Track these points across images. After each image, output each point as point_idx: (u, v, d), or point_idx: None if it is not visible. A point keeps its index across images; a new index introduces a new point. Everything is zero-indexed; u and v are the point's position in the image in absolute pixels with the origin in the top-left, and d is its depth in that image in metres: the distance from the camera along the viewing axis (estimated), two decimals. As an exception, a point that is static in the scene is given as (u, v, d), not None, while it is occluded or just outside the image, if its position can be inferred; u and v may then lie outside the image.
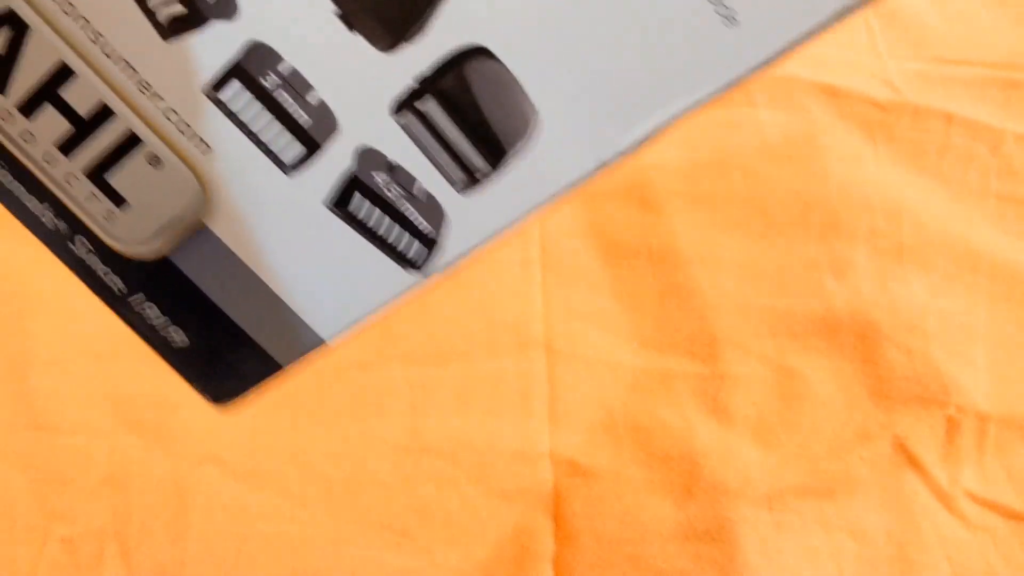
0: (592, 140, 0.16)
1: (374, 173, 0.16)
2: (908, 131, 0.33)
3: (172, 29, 0.16)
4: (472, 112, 0.16)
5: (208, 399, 0.18)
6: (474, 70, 0.16)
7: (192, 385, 0.18)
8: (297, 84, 0.16)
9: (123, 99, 0.16)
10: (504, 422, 0.33)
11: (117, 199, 0.17)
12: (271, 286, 0.17)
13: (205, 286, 0.17)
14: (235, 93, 0.16)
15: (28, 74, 0.16)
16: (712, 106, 0.16)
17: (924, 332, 0.32)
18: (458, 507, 0.33)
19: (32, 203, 0.17)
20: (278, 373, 0.18)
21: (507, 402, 0.33)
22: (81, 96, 0.16)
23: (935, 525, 0.32)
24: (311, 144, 0.16)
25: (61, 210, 0.17)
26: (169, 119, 0.16)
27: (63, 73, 0.16)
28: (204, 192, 0.16)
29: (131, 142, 0.16)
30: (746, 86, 0.16)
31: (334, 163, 0.16)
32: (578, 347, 0.33)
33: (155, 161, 0.16)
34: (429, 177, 0.16)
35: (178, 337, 0.18)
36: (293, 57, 0.16)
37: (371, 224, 0.17)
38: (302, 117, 0.16)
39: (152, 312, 0.18)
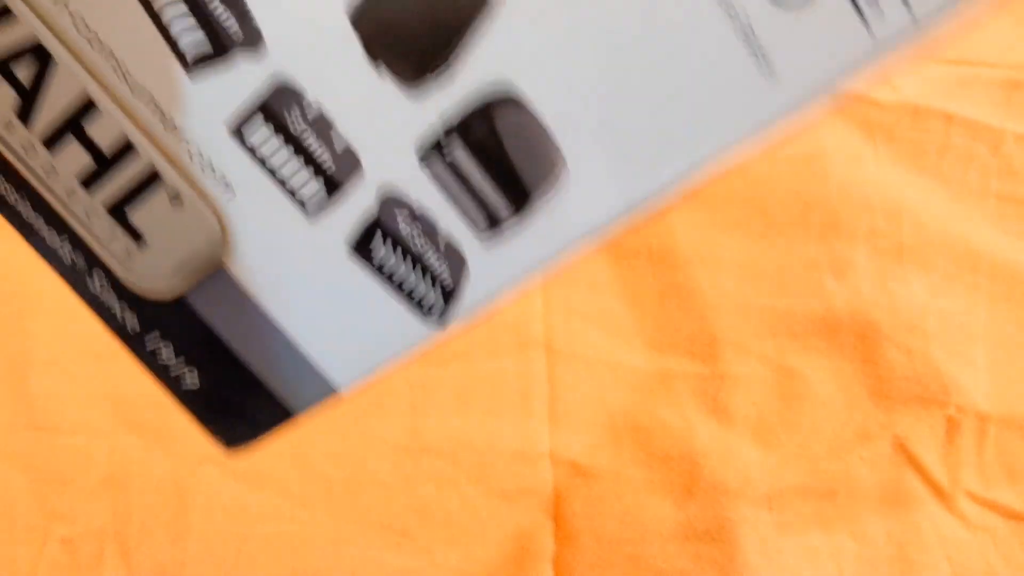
0: (618, 187, 0.16)
1: (396, 219, 0.16)
2: (908, 131, 0.33)
3: (196, 64, 0.15)
4: (497, 156, 0.16)
5: (220, 444, 0.18)
6: (501, 115, 0.15)
7: (204, 428, 0.18)
8: (320, 121, 0.16)
9: (146, 135, 0.16)
10: (504, 422, 0.33)
11: (136, 236, 0.16)
12: (287, 331, 0.17)
13: (220, 328, 0.17)
14: (258, 132, 0.16)
15: (52, 107, 0.16)
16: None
17: (924, 332, 0.32)
18: (458, 507, 0.33)
19: (51, 236, 0.17)
20: (290, 421, 0.18)
21: (507, 402, 0.33)
22: (104, 131, 0.16)
23: (935, 525, 0.32)
24: (333, 184, 0.16)
25: (79, 245, 0.17)
26: (191, 157, 0.16)
27: (87, 107, 0.16)
28: (224, 233, 0.16)
29: (152, 179, 0.16)
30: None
31: (355, 207, 0.16)
32: (578, 347, 0.33)
33: (176, 199, 0.16)
34: (451, 223, 0.16)
35: (191, 379, 0.17)
36: (316, 94, 0.15)
37: (390, 271, 0.16)
38: (325, 157, 0.16)
39: (166, 352, 0.17)
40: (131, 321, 0.17)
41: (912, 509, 0.32)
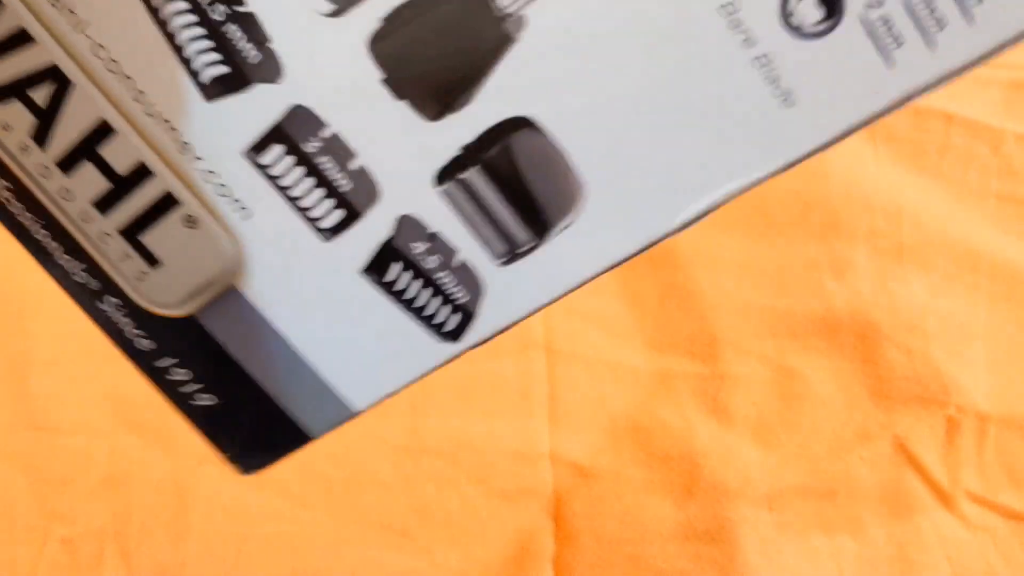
0: (639, 219, 0.15)
1: (413, 242, 0.16)
2: (908, 131, 0.33)
3: (215, 90, 0.15)
4: (517, 184, 0.16)
5: (236, 468, 0.18)
6: (521, 142, 0.15)
7: (219, 452, 0.18)
8: (339, 150, 0.16)
9: (162, 159, 0.16)
10: (504, 422, 0.33)
11: (150, 258, 0.16)
12: (302, 354, 0.17)
13: (235, 350, 0.17)
14: (276, 157, 0.16)
15: (68, 130, 0.16)
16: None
17: (924, 332, 0.32)
18: (458, 507, 0.33)
19: (63, 257, 0.17)
20: (306, 443, 0.18)
21: (507, 402, 0.33)
22: (120, 154, 0.16)
23: (935, 525, 0.32)
24: (351, 211, 0.16)
25: (92, 266, 0.16)
26: (208, 180, 0.16)
27: (103, 130, 0.16)
28: (239, 254, 0.16)
29: (168, 202, 0.16)
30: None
31: (373, 230, 0.16)
32: (578, 347, 0.33)
33: (191, 222, 0.16)
34: (469, 248, 0.16)
35: (206, 402, 0.17)
36: (336, 123, 0.15)
37: (407, 293, 0.16)
38: (343, 183, 0.16)
39: (180, 374, 0.17)
40: (144, 343, 0.17)
41: (912, 509, 0.32)
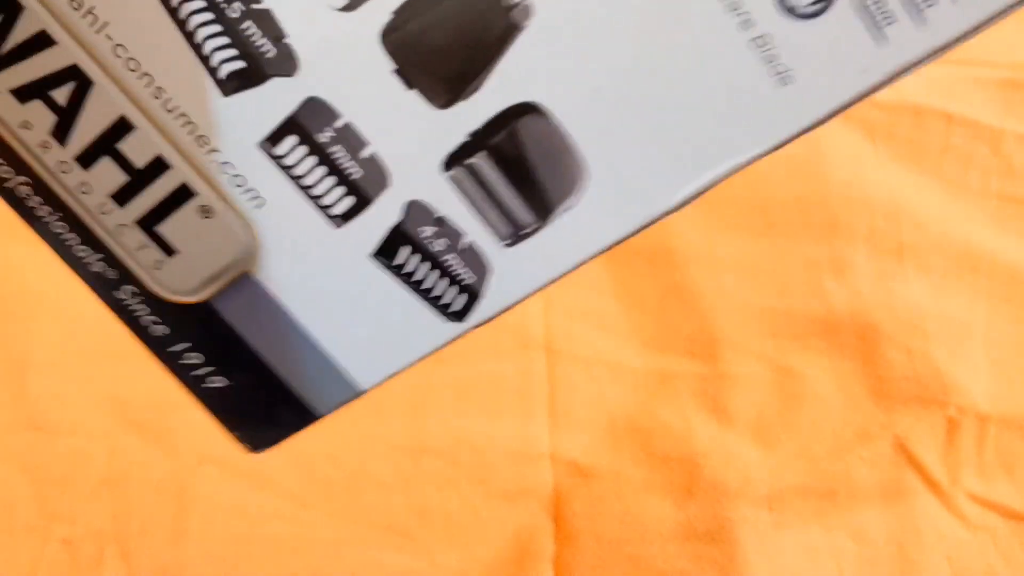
0: (640, 197, 0.16)
1: (421, 226, 0.17)
2: (908, 131, 0.33)
3: (232, 85, 0.16)
4: (522, 168, 0.16)
5: (246, 447, 0.18)
6: (525, 127, 0.16)
7: (230, 432, 0.18)
8: (351, 139, 0.16)
9: (179, 152, 0.16)
10: (504, 422, 0.33)
11: (166, 247, 0.17)
12: (312, 335, 0.17)
13: (245, 333, 0.17)
14: (290, 147, 0.16)
15: (88, 127, 0.16)
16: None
17: (924, 332, 0.32)
18: (458, 508, 0.33)
19: (82, 250, 0.17)
20: (314, 422, 0.18)
21: (507, 402, 0.33)
22: (138, 149, 0.16)
23: (935, 525, 0.32)
24: (362, 197, 0.16)
25: (109, 258, 0.17)
26: (223, 172, 0.16)
27: (122, 127, 0.16)
28: (253, 242, 0.17)
29: (184, 193, 0.16)
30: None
31: (382, 215, 0.17)
32: (578, 347, 0.33)
33: (207, 212, 0.17)
34: (475, 231, 0.17)
35: (218, 384, 0.18)
36: (349, 113, 0.16)
37: (416, 276, 0.17)
38: (355, 172, 0.16)
39: (194, 358, 0.18)
40: (157, 327, 0.17)
41: (912, 509, 0.32)
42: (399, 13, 0.15)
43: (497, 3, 0.15)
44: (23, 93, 0.16)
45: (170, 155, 0.16)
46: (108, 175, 0.16)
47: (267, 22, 0.15)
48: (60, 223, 0.17)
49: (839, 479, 0.33)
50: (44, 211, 0.17)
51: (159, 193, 0.16)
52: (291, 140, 0.16)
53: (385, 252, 0.17)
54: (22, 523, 0.33)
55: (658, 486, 0.33)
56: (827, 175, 0.32)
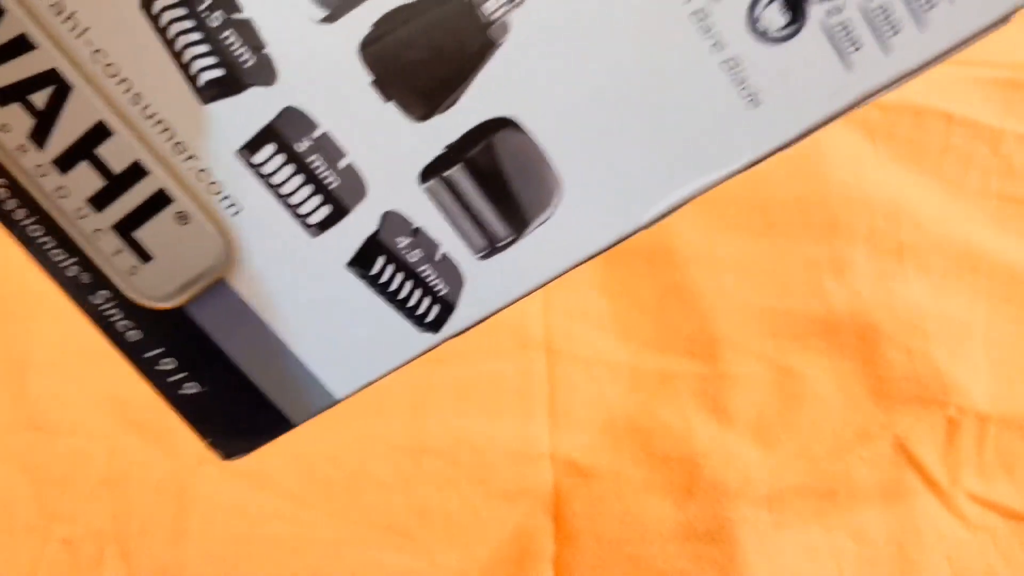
0: (613, 213, 0.16)
1: (397, 236, 0.17)
2: (908, 131, 0.33)
3: (211, 93, 0.16)
4: (498, 182, 0.16)
5: (219, 454, 0.19)
6: (501, 141, 0.16)
7: (203, 439, 0.18)
8: (329, 149, 0.16)
9: (157, 158, 0.16)
10: (504, 422, 0.33)
11: (142, 254, 0.17)
12: (287, 344, 0.17)
13: (221, 341, 0.17)
14: (268, 156, 0.16)
15: (66, 131, 0.16)
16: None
17: (924, 332, 0.32)
18: (458, 508, 0.33)
19: (57, 253, 0.17)
20: (288, 429, 0.18)
21: (507, 402, 0.33)
22: (116, 154, 0.16)
23: (935, 525, 0.32)
24: (339, 207, 0.17)
25: (85, 262, 0.17)
26: (200, 179, 0.16)
27: (100, 132, 0.16)
28: (229, 249, 0.17)
29: (161, 200, 0.17)
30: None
31: (359, 225, 0.17)
32: (578, 347, 0.33)
33: (183, 219, 0.17)
34: (451, 243, 0.17)
35: (192, 391, 0.18)
36: (327, 123, 0.16)
37: (391, 285, 0.17)
38: (332, 181, 0.16)
39: (167, 364, 0.18)
40: (132, 332, 0.17)
41: (912, 509, 0.32)
42: (378, 26, 0.15)
43: (475, 19, 0.15)
44: (1, 96, 0.16)
45: (148, 161, 0.16)
46: (85, 180, 0.16)
47: (247, 31, 0.16)
48: (36, 226, 0.17)
49: (839, 479, 0.33)
50: (21, 214, 0.17)
51: (136, 199, 0.17)
52: (269, 148, 0.16)
53: (361, 261, 0.17)
54: (22, 523, 0.33)
55: (658, 486, 0.33)
56: (827, 175, 0.32)
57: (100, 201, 0.16)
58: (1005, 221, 0.32)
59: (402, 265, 0.17)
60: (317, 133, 0.16)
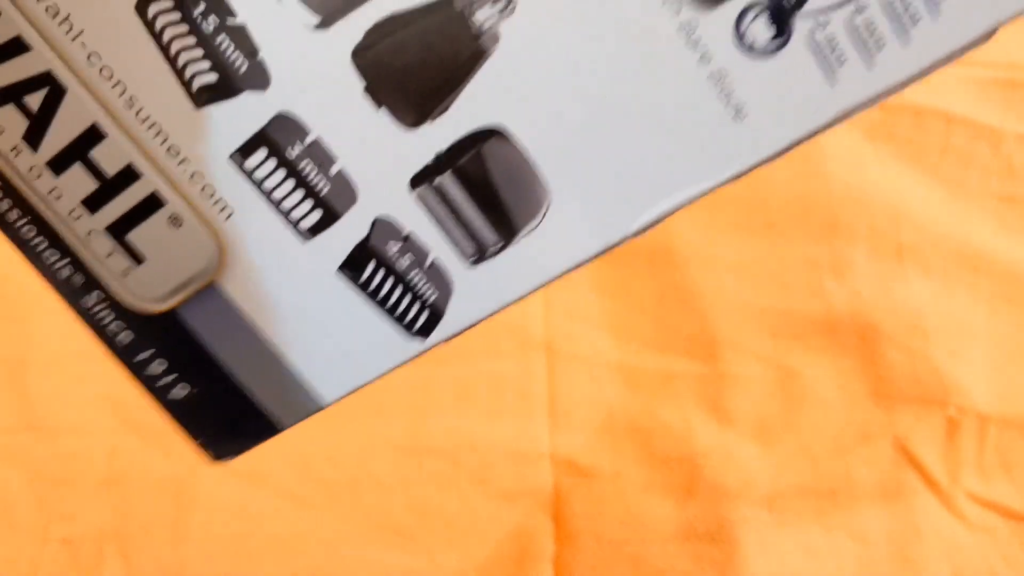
0: (601, 223, 0.16)
1: (387, 242, 0.17)
2: (908, 131, 0.33)
3: (205, 97, 0.16)
4: (487, 190, 0.16)
5: (209, 456, 0.19)
6: (491, 150, 0.16)
7: (193, 440, 0.19)
8: (321, 155, 0.16)
9: (150, 161, 0.16)
10: (504, 422, 0.33)
11: (135, 256, 0.17)
12: (276, 348, 0.18)
13: (211, 344, 0.18)
14: (260, 161, 0.16)
15: (61, 133, 0.16)
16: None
17: (924, 332, 0.32)
18: (458, 508, 0.33)
19: (50, 254, 0.17)
20: (276, 433, 0.18)
21: (507, 402, 0.33)
22: (110, 157, 0.16)
23: (935, 525, 0.32)
24: (330, 212, 0.17)
25: (78, 264, 0.17)
26: (193, 182, 0.17)
27: (94, 134, 0.16)
28: (220, 253, 0.17)
29: (154, 202, 0.17)
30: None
31: (349, 231, 0.17)
32: (578, 347, 0.33)
33: (175, 222, 0.17)
34: (440, 249, 0.17)
35: (182, 393, 0.18)
36: (319, 129, 0.16)
37: (381, 291, 0.17)
38: (324, 187, 0.17)
39: (158, 366, 0.18)
40: (122, 334, 0.17)
41: (912, 509, 0.32)
42: (370, 34, 0.16)
43: (466, 29, 0.15)
44: None
45: (141, 164, 0.16)
46: (79, 182, 0.16)
47: (241, 37, 0.16)
48: (30, 228, 0.17)
49: (839, 479, 0.33)
50: (14, 215, 0.17)
51: (129, 201, 0.17)
52: (261, 153, 0.16)
53: (351, 267, 0.17)
54: (22, 523, 0.33)
55: (658, 486, 0.33)
56: (827, 175, 0.32)
57: (93, 203, 0.17)
58: (1005, 221, 0.33)
59: (392, 271, 0.17)
60: (309, 139, 0.16)
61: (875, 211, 0.32)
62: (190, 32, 0.16)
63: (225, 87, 0.16)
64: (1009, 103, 0.32)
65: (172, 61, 0.16)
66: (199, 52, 0.16)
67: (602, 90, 0.16)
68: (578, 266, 0.17)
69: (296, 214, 0.17)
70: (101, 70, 0.16)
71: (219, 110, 0.16)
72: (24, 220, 0.17)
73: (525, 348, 0.33)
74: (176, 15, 0.16)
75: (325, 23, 0.16)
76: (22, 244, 0.17)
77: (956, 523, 0.32)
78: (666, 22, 0.15)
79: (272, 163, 0.16)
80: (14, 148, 0.16)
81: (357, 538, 0.33)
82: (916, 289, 0.32)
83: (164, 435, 0.33)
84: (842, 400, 0.33)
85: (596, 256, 0.17)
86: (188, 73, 0.16)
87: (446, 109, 0.16)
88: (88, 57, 0.16)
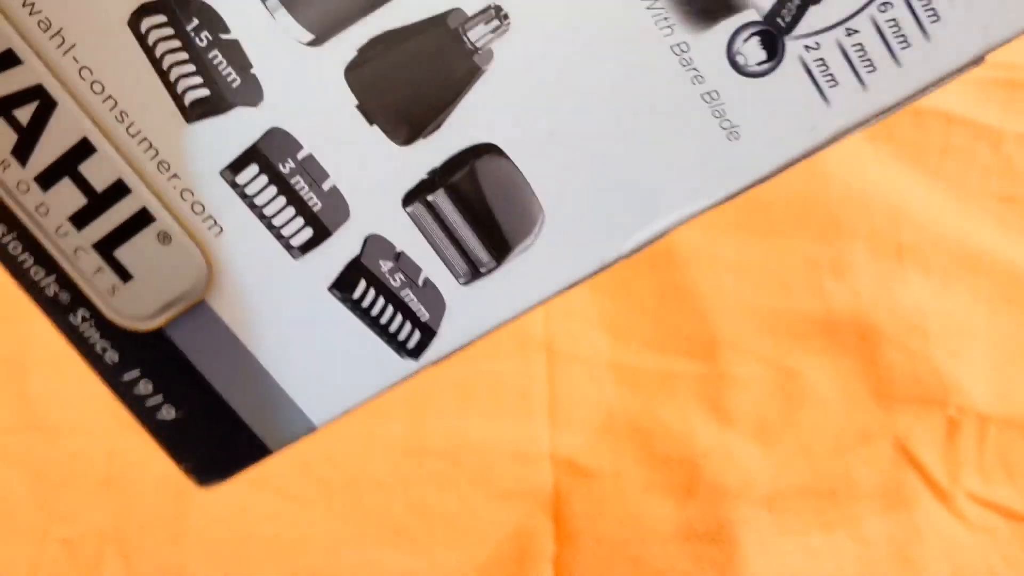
0: (595, 242, 0.16)
1: (379, 260, 0.17)
2: (908, 131, 0.33)
3: (196, 112, 0.16)
4: (481, 207, 0.16)
5: (195, 480, 0.18)
6: (485, 167, 0.16)
7: (179, 464, 0.18)
8: (313, 171, 0.16)
9: (140, 176, 0.16)
10: (504, 422, 0.33)
11: (123, 273, 0.17)
12: (266, 367, 0.17)
13: (200, 364, 0.17)
14: (251, 176, 0.16)
15: (50, 148, 0.16)
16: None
17: (924, 332, 0.32)
18: (458, 508, 0.33)
19: (36, 271, 0.17)
20: (265, 456, 0.18)
21: (507, 402, 0.33)
22: (99, 172, 0.16)
23: (935, 525, 0.32)
24: (321, 229, 0.17)
25: (64, 280, 0.17)
26: (184, 198, 0.16)
27: (84, 149, 0.16)
28: (209, 270, 0.17)
29: (143, 218, 0.16)
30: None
31: (341, 249, 0.17)
32: (578, 347, 0.33)
33: (165, 238, 0.17)
34: (433, 268, 0.17)
35: (168, 414, 0.18)
36: (311, 145, 0.16)
37: (373, 310, 0.17)
38: (315, 204, 0.16)
39: (144, 387, 0.18)
40: (109, 354, 0.17)
41: (912, 509, 0.32)
42: (364, 51, 0.16)
43: (460, 46, 0.15)
44: None
45: (131, 179, 0.16)
46: (67, 197, 0.16)
47: (234, 52, 0.16)
48: (15, 243, 0.17)
49: (839, 479, 0.33)
50: (0, 230, 0.17)
51: (118, 217, 0.16)
52: (252, 169, 0.16)
53: (343, 285, 0.17)
54: (22, 523, 0.33)
55: (658, 486, 0.33)
56: (827, 175, 0.32)
57: (81, 219, 0.16)
58: (1005, 221, 0.33)
59: (384, 289, 0.17)
60: (301, 155, 0.16)
61: (875, 211, 0.32)
62: (183, 47, 0.16)
63: (217, 102, 0.16)
64: (1009, 103, 0.32)
65: (164, 76, 0.16)
66: (191, 67, 0.16)
67: (595, 109, 0.16)
68: (572, 286, 0.17)
69: (287, 231, 0.16)
70: (92, 84, 0.16)
71: (211, 125, 0.16)
72: (10, 235, 0.17)
73: (525, 348, 0.33)
74: (169, 30, 0.16)
75: (319, 39, 0.16)
76: (7, 260, 0.17)
77: (956, 523, 0.32)
78: (660, 41, 0.15)
79: (263, 179, 0.16)
80: (2, 162, 0.16)
81: (357, 538, 0.33)
82: (916, 289, 0.32)
83: (164, 435, 0.33)
84: (842, 400, 0.33)
85: (590, 276, 0.17)
86: (180, 88, 0.16)
87: (439, 126, 0.16)
88: (79, 71, 0.16)
